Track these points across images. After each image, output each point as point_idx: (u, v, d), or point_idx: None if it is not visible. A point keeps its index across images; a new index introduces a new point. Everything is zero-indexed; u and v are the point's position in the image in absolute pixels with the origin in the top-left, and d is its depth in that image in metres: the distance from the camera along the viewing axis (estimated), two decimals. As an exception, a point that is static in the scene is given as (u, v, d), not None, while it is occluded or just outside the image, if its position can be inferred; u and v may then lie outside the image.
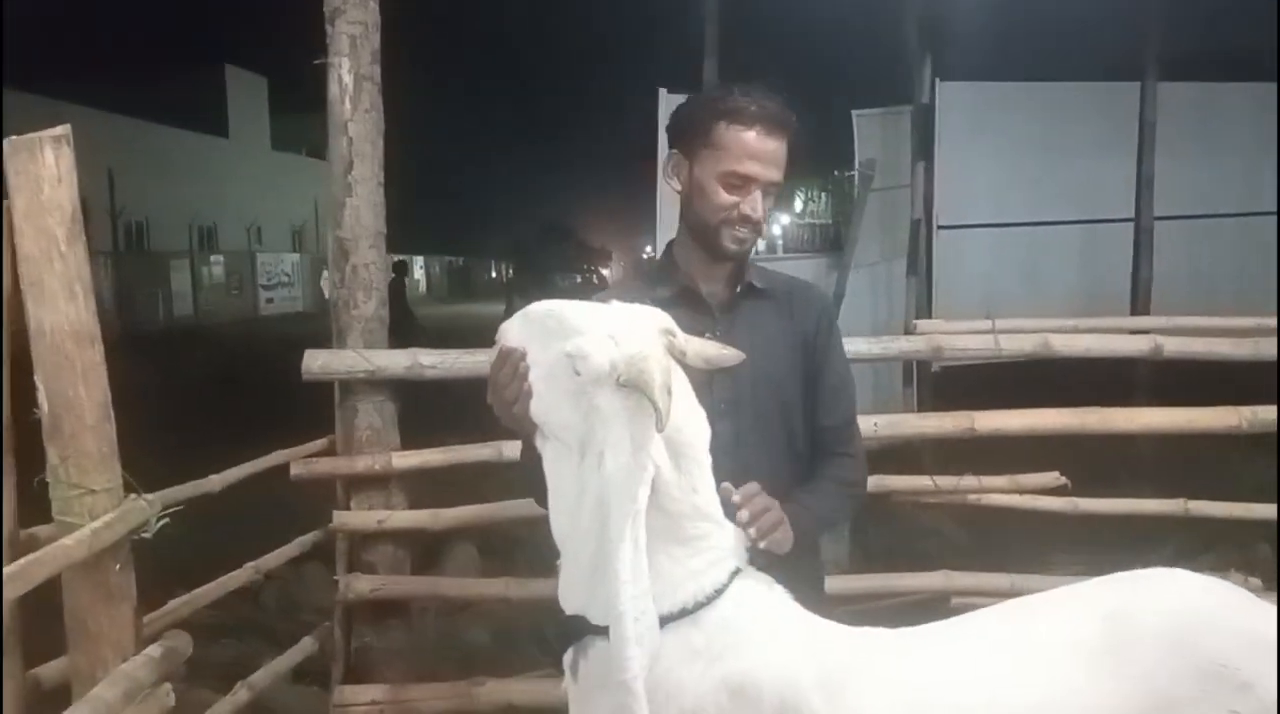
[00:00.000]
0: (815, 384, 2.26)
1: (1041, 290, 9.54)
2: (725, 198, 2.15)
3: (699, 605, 1.72)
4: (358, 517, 3.74)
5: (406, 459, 3.73)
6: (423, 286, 51.40)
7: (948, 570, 3.95)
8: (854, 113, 8.49)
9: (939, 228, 9.51)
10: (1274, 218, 9.85)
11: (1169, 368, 4.11)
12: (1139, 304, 9.55)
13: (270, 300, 34.15)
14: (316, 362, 3.61)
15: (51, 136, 2.02)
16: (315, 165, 41.16)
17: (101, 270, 26.27)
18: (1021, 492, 4.02)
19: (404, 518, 3.77)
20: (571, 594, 1.75)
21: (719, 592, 1.74)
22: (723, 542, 1.78)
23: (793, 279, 2.39)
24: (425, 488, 3.85)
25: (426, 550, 3.97)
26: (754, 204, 2.14)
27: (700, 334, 2.02)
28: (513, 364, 1.76)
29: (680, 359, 1.74)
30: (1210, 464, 5.01)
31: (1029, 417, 3.81)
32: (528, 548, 4.51)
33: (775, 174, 2.16)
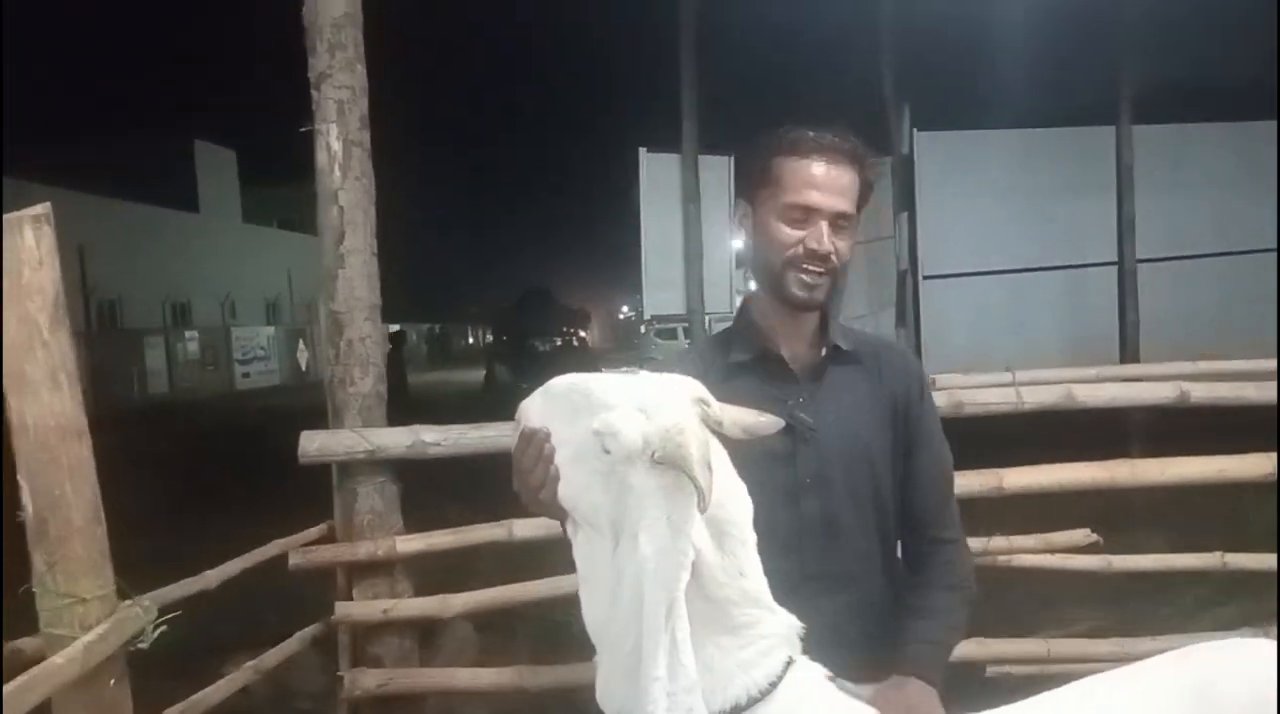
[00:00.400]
0: (909, 457, 2.07)
1: (1030, 336, 9.64)
2: (788, 234, 1.98)
3: (753, 701, 1.58)
4: (361, 607, 3.53)
5: (411, 543, 3.52)
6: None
7: (980, 638, 3.76)
8: (833, 166, 8.38)
9: (924, 278, 9.53)
10: (1255, 255, 9.92)
11: (1181, 413, 3.99)
12: (1128, 347, 9.55)
13: (246, 375, 33.80)
14: (314, 443, 3.42)
15: (31, 216, 1.88)
16: (287, 237, 41.27)
17: (75, 350, 25.94)
18: (1052, 551, 3.86)
19: (411, 606, 3.56)
20: (610, 694, 1.60)
21: (774, 685, 1.60)
22: (774, 629, 1.63)
23: (880, 339, 2.23)
24: (431, 572, 3.65)
25: (422, 632, 3.73)
26: (819, 237, 1.95)
27: (783, 403, 1.91)
28: (537, 446, 1.62)
29: (716, 430, 1.60)
30: (1225, 511, 4.87)
31: (1058, 472, 3.65)
32: (530, 622, 4.29)
33: (842, 203, 1.97)
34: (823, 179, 1.95)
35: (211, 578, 2.99)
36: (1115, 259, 9.92)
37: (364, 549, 3.49)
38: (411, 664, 3.61)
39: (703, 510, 1.44)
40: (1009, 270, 10.20)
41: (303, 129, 3.50)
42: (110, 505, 2.01)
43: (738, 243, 2.06)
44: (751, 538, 1.62)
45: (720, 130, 9.36)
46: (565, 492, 1.61)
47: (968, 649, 3.76)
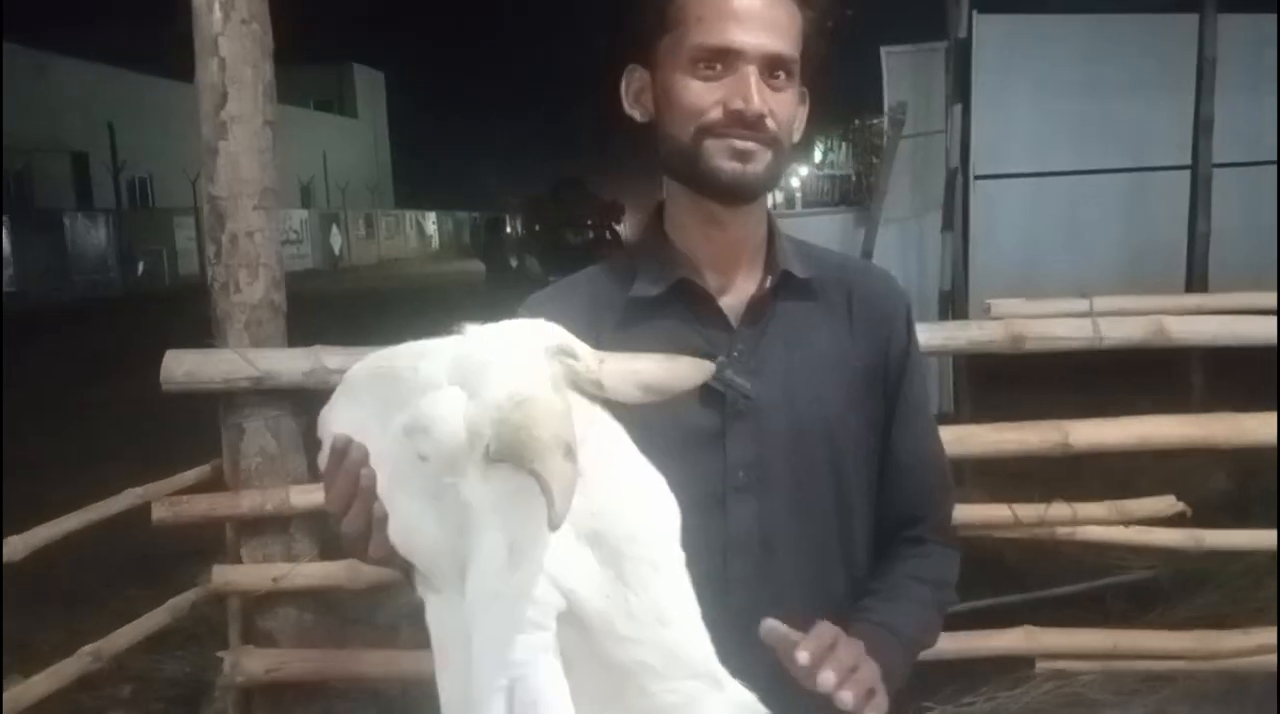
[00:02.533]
0: (887, 433, 1.48)
1: (1087, 246, 9.16)
2: (700, 91, 1.34)
3: None
4: (247, 572, 2.85)
5: (311, 494, 2.79)
6: (435, 243, 50.86)
7: (1029, 627, 3.05)
8: (883, 49, 7.90)
9: (976, 178, 9.02)
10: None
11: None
12: (1196, 261, 8.95)
13: (278, 258, 33.83)
14: (181, 366, 2.68)
15: None
16: (323, 118, 41.06)
17: (104, 228, 26.00)
18: (1128, 522, 3.09)
19: (310, 572, 2.87)
20: None
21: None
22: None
23: (851, 260, 1.57)
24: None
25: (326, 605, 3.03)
26: (745, 90, 1.31)
27: (710, 357, 1.26)
28: (347, 475, 1.08)
29: (595, 393, 1.06)
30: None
31: (1138, 426, 2.92)
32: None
33: (776, 43, 1.33)
34: (745, 9, 1.33)
35: (18, 545, 2.27)
36: (1189, 163, 9.24)
37: (248, 501, 2.79)
38: (311, 644, 2.93)
39: (552, 525, 0.89)
40: (1069, 172, 9.77)
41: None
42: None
43: (633, 112, 1.49)
44: (672, 567, 1.05)
45: None
46: (397, 533, 1.07)
47: (1013, 640, 3.10)
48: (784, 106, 1.36)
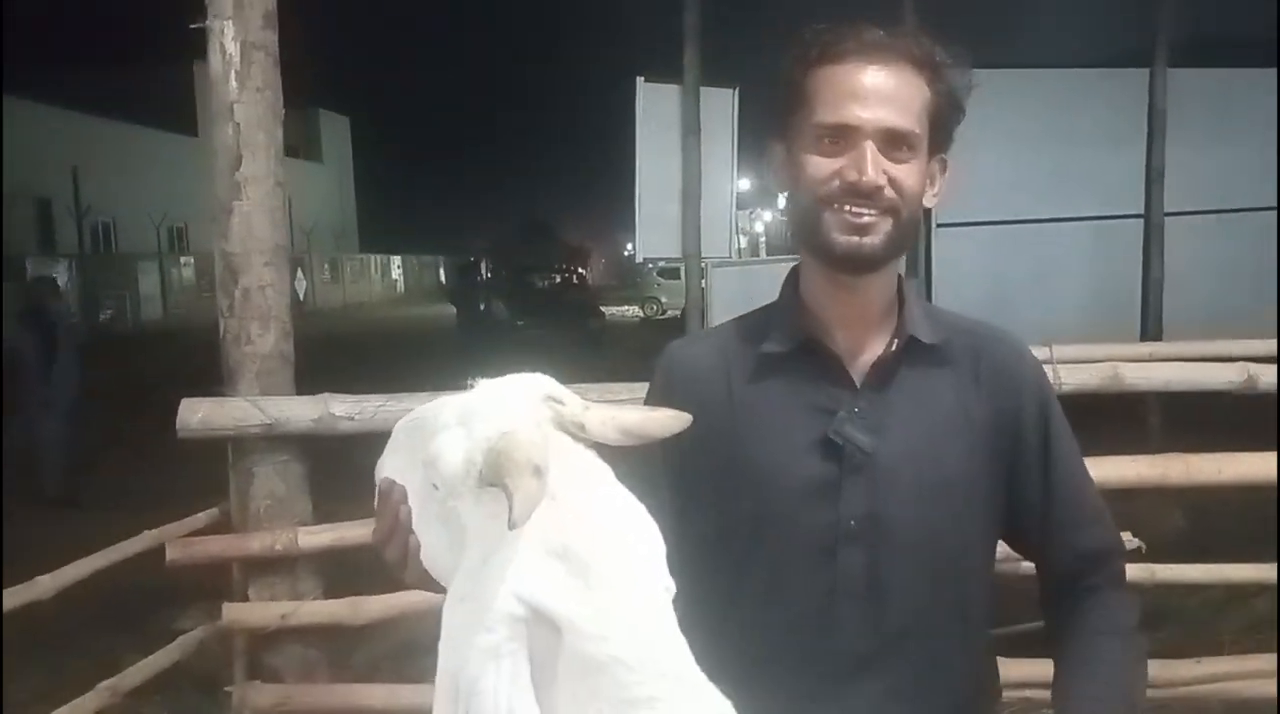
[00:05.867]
0: (1035, 490, 1.50)
1: (1048, 292, 9.18)
2: (819, 165, 1.40)
3: None
4: (256, 610, 2.95)
5: (317, 536, 2.93)
6: (400, 287, 50.81)
7: (998, 658, 3.18)
8: (849, 101, 7.88)
9: (938, 226, 9.10)
10: (1286, 212, 9.50)
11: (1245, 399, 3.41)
12: (1150, 307, 9.12)
13: (243, 302, 33.63)
14: (196, 414, 2.81)
15: None
16: (287, 163, 40.81)
17: (66, 273, 25.82)
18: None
19: (316, 610, 2.98)
20: None
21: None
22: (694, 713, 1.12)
23: (985, 329, 1.57)
24: (341, 571, 3.06)
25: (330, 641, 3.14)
26: (860, 162, 1.37)
27: (830, 413, 1.40)
28: (389, 511, 1.21)
29: (578, 435, 1.18)
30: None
31: (1099, 467, 3.06)
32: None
33: (893, 117, 1.38)
34: (867, 87, 1.38)
35: (46, 585, 2.39)
36: (1142, 211, 9.43)
37: (258, 542, 2.90)
38: (316, 679, 3.04)
39: (511, 525, 1.02)
40: (1029, 220, 9.80)
41: (192, 25, 2.85)
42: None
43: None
44: (641, 578, 1.13)
45: (725, 61, 8.72)
46: (425, 558, 1.21)
47: (1025, 669, 3.22)
48: (908, 177, 1.40)
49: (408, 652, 3.31)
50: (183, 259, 31.67)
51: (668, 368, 1.55)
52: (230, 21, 2.83)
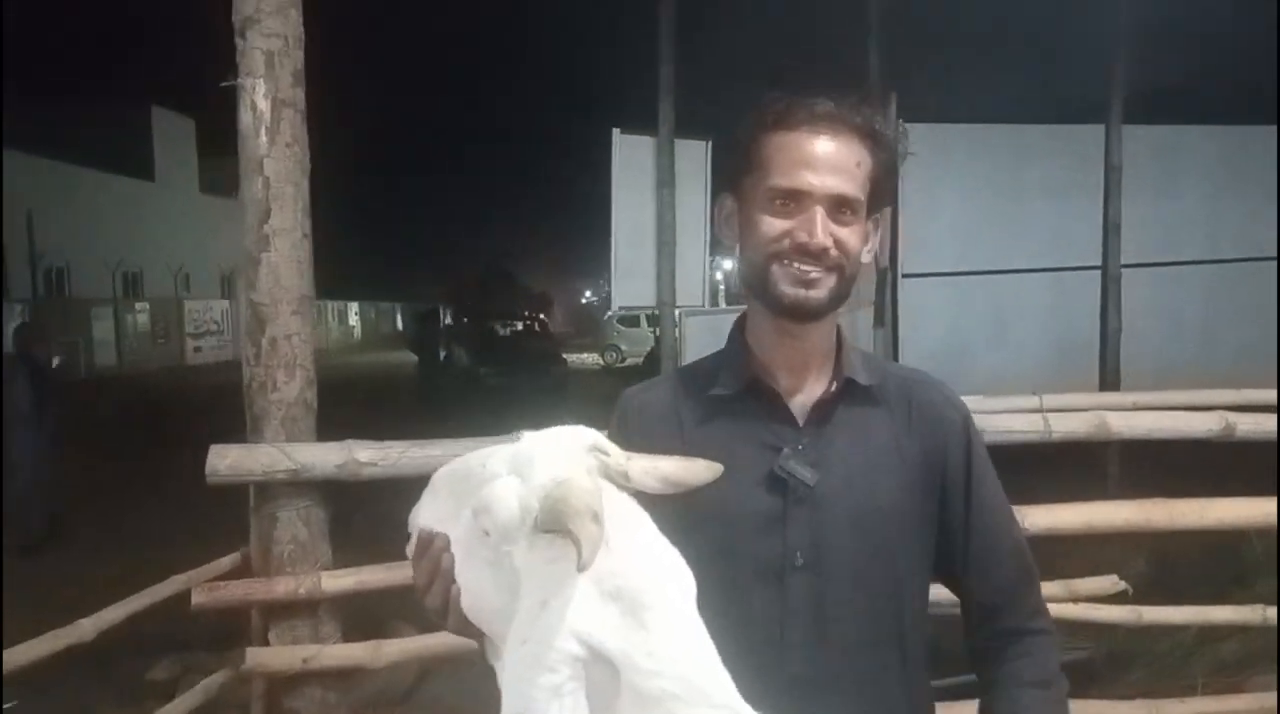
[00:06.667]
0: (958, 525, 1.62)
1: (1008, 340, 9.39)
2: (771, 225, 1.54)
3: None
4: (278, 654, 3.00)
5: (339, 580, 3.00)
6: (358, 333, 50.55)
7: (940, 704, 3.29)
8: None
9: (904, 276, 9.26)
10: (1244, 263, 9.74)
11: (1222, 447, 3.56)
12: (1108, 355, 9.33)
13: (198, 349, 33.21)
14: (225, 460, 2.87)
15: None
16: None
17: (20, 318, 25.45)
18: (1077, 600, 3.40)
19: (336, 654, 3.03)
20: None
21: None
22: None
23: (913, 373, 1.72)
24: (361, 614, 3.12)
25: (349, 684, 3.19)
26: (810, 226, 1.51)
27: (774, 450, 1.52)
28: (431, 559, 1.28)
29: (622, 484, 1.27)
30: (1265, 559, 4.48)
31: (1086, 512, 3.23)
32: (476, 673, 3.70)
33: (842, 185, 1.53)
34: (818, 156, 1.52)
35: (87, 629, 2.45)
36: (1099, 263, 9.66)
37: (282, 586, 2.96)
38: (335, 721, 3.09)
39: (580, 567, 1.09)
40: (990, 271, 9.97)
41: (223, 84, 2.96)
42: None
43: (721, 235, 1.74)
44: (687, 616, 1.22)
45: (698, 114, 8.90)
46: (468, 604, 1.27)
47: (967, 711, 3.31)
48: (850, 238, 1.54)
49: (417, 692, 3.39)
50: (137, 305, 31.27)
51: (624, 413, 1.67)
52: (262, 80, 2.94)
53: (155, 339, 31.44)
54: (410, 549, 1.34)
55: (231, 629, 3.12)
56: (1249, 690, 3.66)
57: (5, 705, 1.67)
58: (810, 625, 1.52)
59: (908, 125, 9.19)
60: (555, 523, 1.13)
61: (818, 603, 1.53)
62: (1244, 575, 4.65)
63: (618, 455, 1.30)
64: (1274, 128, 9.18)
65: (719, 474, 1.36)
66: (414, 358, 22.20)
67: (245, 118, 2.98)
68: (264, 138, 2.96)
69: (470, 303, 25.56)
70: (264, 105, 2.95)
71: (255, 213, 3.00)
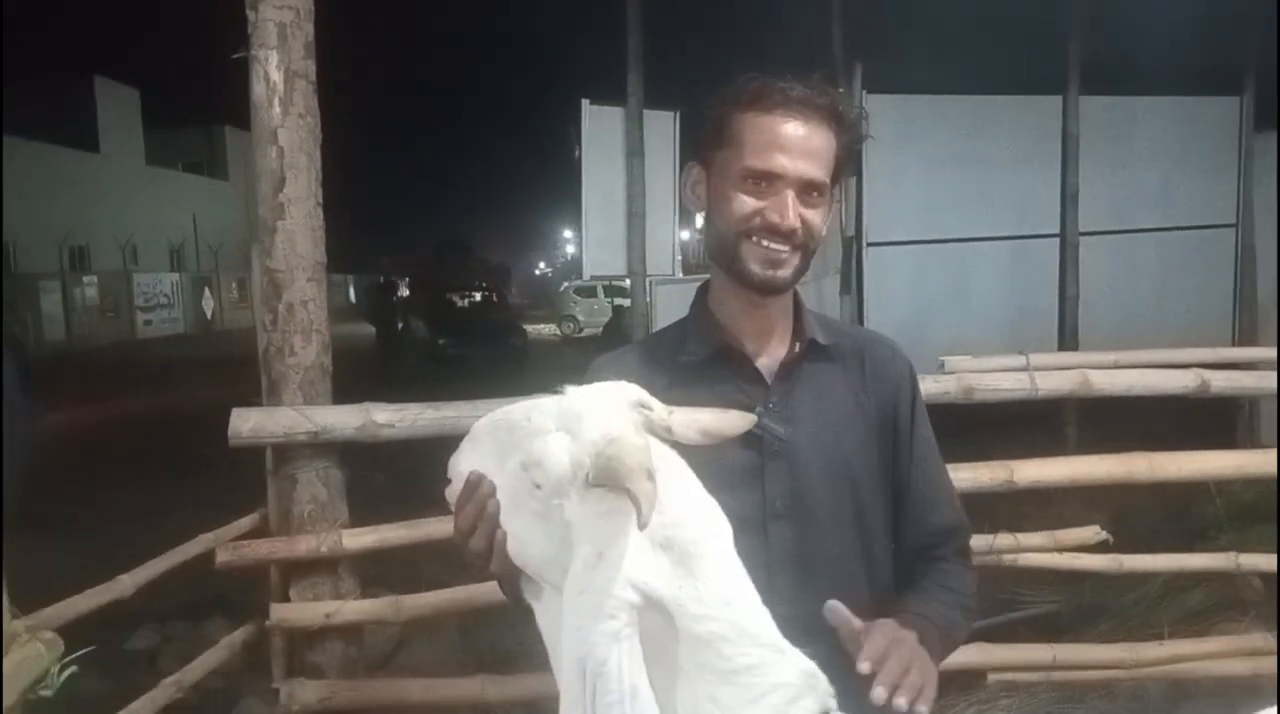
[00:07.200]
0: (903, 472, 1.76)
1: (970, 306, 9.51)
2: (745, 203, 1.63)
3: None
4: (300, 609, 3.08)
5: (358, 538, 3.07)
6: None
7: (981, 644, 3.45)
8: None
9: (869, 244, 9.35)
10: (1198, 231, 9.95)
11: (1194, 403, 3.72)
12: (1066, 320, 9.51)
13: (149, 322, 32.78)
14: (247, 423, 2.94)
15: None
16: (193, 181, 39.97)
17: (-32, 295, 25.01)
18: (1061, 550, 3.55)
19: (357, 609, 3.11)
20: None
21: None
22: (788, 676, 1.28)
23: (862, 331, 1.87)
24: (380, 571, 3.20)
25: (370, 639, 3.27)
26: (782, 208, 1.61)
27: (749, 408, 1.57)
28: (478, 503, 1.35)
29: (665, 437, 1.35)
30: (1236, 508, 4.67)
31: (1072, 466, 3.40)
32: (492, 628, 3.80)
33: (812, 170, 1.62)
34: (791, 140, 1.61)
35: (127, 584, 2.52)
36: (1058, 231, 9.83)
37: (304, 544, 3.03)
38: (357, 675, 3.17)
39: (641, 525, 1.17)
40: (952, 239, 10.09)
41: (235, 55, 2.99)
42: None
43: (689, 206, 1.80)
44: (733, 562, 1.32)
45: (666, 85, 8.93)
46: (514, 549, 1.35)
47: (967, 655, 3.47)
48: (816, 218, 1.64)
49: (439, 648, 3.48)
50: (85, 278, 30.78)
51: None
52: (275, 51, 2.98)
53: (104, 313, 30.94)
54: (450, 494, 1.41)
55: (206, 599, 3.17)
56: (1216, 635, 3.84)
57: (62, 669, 1.72)
58: (793, 568, 1.63)
59: (872, 96, 9.36)
60: (610, 480, 1.20)
61: (798, 547, 1.65)
62: (1205, 530, 4.83)
63: (660, 410, 1.37)
64: (1226, 98, 9.37)
65: (753, 424, 1.48)
66: (370, 330, 22.00)
67: (258, 89, 3.02)
68: (277, 108, 3.01)
69: (426, 275, 25.35)
70: (277, 76, 2.99)
71: (270, 182, 3.04)
